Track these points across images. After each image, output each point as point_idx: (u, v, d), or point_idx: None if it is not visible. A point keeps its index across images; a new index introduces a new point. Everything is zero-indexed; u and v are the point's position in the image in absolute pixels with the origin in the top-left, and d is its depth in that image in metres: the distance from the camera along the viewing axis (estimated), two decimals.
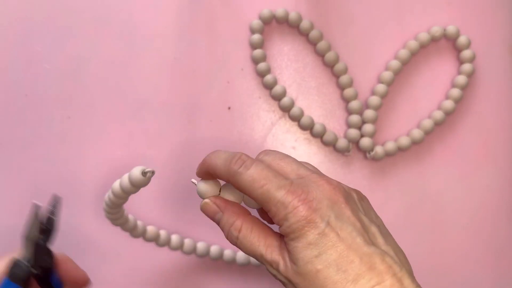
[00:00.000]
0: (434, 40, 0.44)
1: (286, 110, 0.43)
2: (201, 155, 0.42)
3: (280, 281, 0.24)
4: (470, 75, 0.43)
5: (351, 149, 0.43)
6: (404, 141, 0.43)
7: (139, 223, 0.38)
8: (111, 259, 0.41)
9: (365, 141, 0.42)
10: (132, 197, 0.31)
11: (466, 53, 0.43)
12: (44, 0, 0.43)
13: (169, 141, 0.42)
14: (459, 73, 0.44)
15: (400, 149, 0.43)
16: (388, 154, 0.43)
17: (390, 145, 0.43)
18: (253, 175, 0.24)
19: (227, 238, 0.26)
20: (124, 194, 0.29)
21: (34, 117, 0.42)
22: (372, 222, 0.25)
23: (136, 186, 0.27)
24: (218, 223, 0.26)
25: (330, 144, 0.43)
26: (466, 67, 0.43)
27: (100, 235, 0.41)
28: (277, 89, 0.42)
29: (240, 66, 0.43)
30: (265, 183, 0.23)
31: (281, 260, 0.23)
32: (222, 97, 0.43)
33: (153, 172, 0.26)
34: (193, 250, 0.40)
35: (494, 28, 0.45)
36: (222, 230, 0.26)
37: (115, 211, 0.32)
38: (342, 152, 0.43)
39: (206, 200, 0.27)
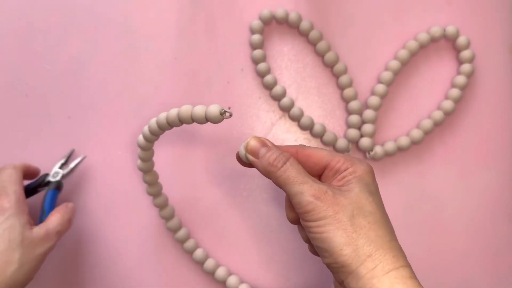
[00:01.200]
0: (433, 40, 0.44)
1: (286, 110, 0.43)
2: (201, 155, 0.42)
3: (315, 210, 0.25)
4: (470, 75, 0.43)
5: (350, 149, 0.43)
6: (404, 141, 0.43)
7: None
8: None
9: (365, 141, 0.42)
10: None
11: (466, 53, 0.43)
12: (44, 0, 0.43)
13: (169, 141, 0.42)
14: (459, 73, 0.44)
15: (400, 149, 0.43)
16: (387, 154, 0.43)
17: (390, 145, 0.43)
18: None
19: (271, 163, 0.27)
20: (176, 124, 0.30)
21: (34, 117, 0.42)
22: None
23: (210, 120, 0.27)
24: (262, 155, 0.27)
25: (330, 144, 0.43)
26: (466, 67, 0.43)
27: (103, 233, 0.41)
28: (277, 89, 0.42)
29: (240, 66, 0.43)
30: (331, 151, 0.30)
31: (330, 189, 0.26)
32: (222, 97, 0.43)
33: (231, 114, 0.27)
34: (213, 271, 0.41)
35: (494, 28, 0.45)
36: (267, 158, 0.27)
37: (150, 145, 0.34)
38: (341, 152, 0.43)
39: (253, 137, 0.29)
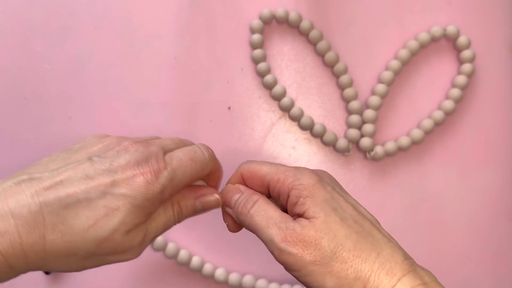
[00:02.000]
0: (434, 40, 0.44)
1: (286, 110, 0.43)
2: None
3: (290, 261, 0.23)
4: (470, 75, 0.43)
5: (351, 149, 0.43)
6: (404, 141, 0.43)
7: None
8: None
9: (365, 141, 0.42)
10: None
11: (466, 53, 0.43)
12: (44, 0, 0.43)
13: None
14: (459, 73, 0.44)
15: (400, 149, 0.43)
16: (388, 154, 0.43)
17: (390, 145, 0.43)
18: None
19: (240, 212, 0.26)
20: None
21: (34, 117, 0.42)
22: None
23: None
24: (234, 203, 0.26)
25: (330, 144, 0.43)
26: (466, 67, 0.43)
27: None
28: (277, 89, 0.42)
29: (240, 66, 0.43)
30: (275, 164, 0.27)
31: (297, 224, 0.23)
32: (222, 97, 0.43)
33: None
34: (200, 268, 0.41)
35: (494, 28, 0.45)
36: (237, 205, 0.26)
37: None
38: (342, 152, 0.43)
39: (228, 185, 0.28)
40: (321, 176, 0.26)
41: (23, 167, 0.41)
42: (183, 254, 0.41)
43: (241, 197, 0.26)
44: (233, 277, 0.40)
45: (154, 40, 0.43)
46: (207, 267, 0.41)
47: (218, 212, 0.28)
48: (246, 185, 0.27)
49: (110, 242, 0.22)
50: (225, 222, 0.28)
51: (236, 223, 0.27)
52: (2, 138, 0.42)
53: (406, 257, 0.23)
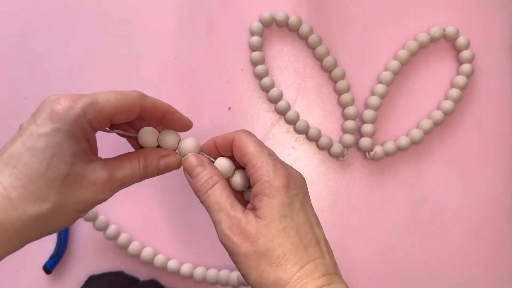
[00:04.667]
0: (433, 40, 0.44)
1: (282, 113, 0.43)
2: None
3: (229, 246, 0.26)
4: (469, 75, 0.43)
5: (345, 155, 0.43)
6: (404, 141, 0.43)
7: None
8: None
9: (365, 141, 0.42)
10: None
11: (465, 54, 0.43)
12: (45, 1, 0.43)
13: None
14: (458, 73, 0.44)
15: (400, 149, 0.43)
16: (387, 154, 0.43)
17: (390, 145, 0.43)
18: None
19: (198, 188, 0.28)
20: None
21: None
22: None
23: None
24: (195, 176, 0.28)
25: (325, 148, 0.43)
26: (465, 67, 0.43)
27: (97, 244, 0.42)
28: (274, 92, 0.42)
29: (240, 66, 0.43)
30: (264, 149, 0.28)
31: (244, 218, 0.26)
32: (222, 97, 0.43)
33: None
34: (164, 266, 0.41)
35: (493, 28, 0.45)
36: (197, 181, 0.28)
37: None
38: (336, 157, 0.43)
39: (192, 153, 0.29)
40: (291, 180, 0.27)
41: None
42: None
43: (203, 172, 0.28)
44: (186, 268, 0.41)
45: (154, 40, 0.43)
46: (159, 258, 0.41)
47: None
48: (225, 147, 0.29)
49: (73, 176, 0.23)
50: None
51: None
52: (3, 138, 0.42)
53: (328, 272, 0.25)
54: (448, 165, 0.44)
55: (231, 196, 0.27)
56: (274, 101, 0.42)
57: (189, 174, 0.28)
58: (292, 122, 0.42)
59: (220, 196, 0.27)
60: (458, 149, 0.44)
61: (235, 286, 0.40)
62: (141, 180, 0.28)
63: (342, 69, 0.43)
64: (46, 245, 0.41)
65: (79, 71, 0.42)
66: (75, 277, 0.42)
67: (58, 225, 0.24)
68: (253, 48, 0.43)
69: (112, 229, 0.40)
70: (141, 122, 0.29)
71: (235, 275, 0.40)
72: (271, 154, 0.28)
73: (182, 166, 0.29)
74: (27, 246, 0.41)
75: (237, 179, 0.29)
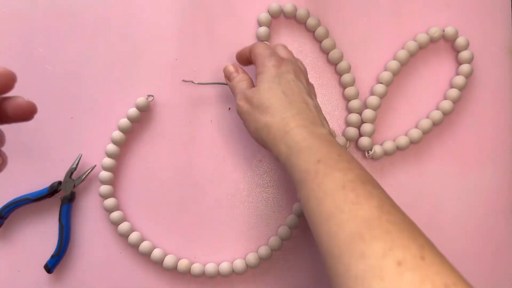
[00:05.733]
0: (432, 41, 0.44)
1: None
2: (201, 155, 0.42)
3: (238, 110, 0.36)
4: (468, 75, 0.44)
5: (348, 148, 0.43)
6: (403, 140, 0.43)
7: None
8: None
9: (364, 141, 0.43)
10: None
11: (465, 54, 0.44)
12: (46, 2, 0.43)
13: (170, 141, 0.42)
14: (457, 73, 0.44)
15: (399, 149, 0.43)
16: (386, 154, 0.43)
17: (389, 145, 0.43)
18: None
19: (233, 85, 0.38)
20: None
21: (36, 118, 0.42)
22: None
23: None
24: (232, 78, 0.39)
25: None
26: (464, 67, 0.44)
27: (100, 239, 0.42)
28: None
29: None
30: (267, 49, 0.37)
31: (249, 91, 0.36)
32: (223, 98, 0.43)
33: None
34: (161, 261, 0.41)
35: (493, 29, 0.45)
36: (232, 80, 0.39)
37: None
38: None
39: (230, 63, 0.40)
40: (283, 64, 0.36)
41: (24, 167, 0.41)
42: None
43: (236, 76, 0.39)
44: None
45: (155, 41, 0.43)
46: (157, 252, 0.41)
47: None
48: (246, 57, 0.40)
49: None
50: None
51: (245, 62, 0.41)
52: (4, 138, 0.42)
53: (311, 121, 0.33)
54: (447, 165, 0.44)
55: (251, 86, 0.37)
56: None
57: (227, 77, 0.39)
58: None
59: (244, 85, 0.37)
60: (457, 149, 0.44)
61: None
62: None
63: (348, 62, 0.43)
64: (47, 244, 0.41)
65: (80, 71, 0.42)
66: (76, 277, 0.42)
67: None
68: (260, 39, 0.43)
69: (125, 226, 0.41)
70: None
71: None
72: (272, 53, 0.37)
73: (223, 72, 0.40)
74: (28, 245, 0.42)
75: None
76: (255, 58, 0.37)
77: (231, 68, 0.39)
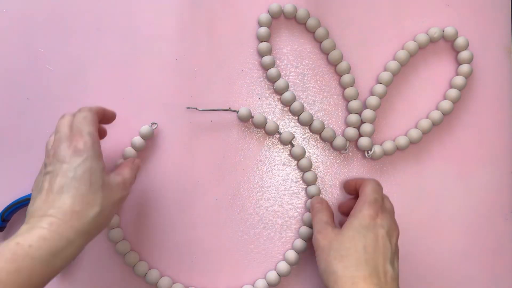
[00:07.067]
0: (432, 41, 0.44)
1: (287, 104, 0.43)
2: (201, 155, 0.43)
3: (315, 243, 0.37)
4: (468, 75, 0.44)
5: (348, 148, 0.43)
6: (402, 140, 0.43)
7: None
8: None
9: (364, 141, 0.43)
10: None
11: (464, 54, 0.44)
12: (47, 2, 0.43)
13: (170, 141, 0.42)
14: (457, 73, 0.44)
15: (398, 149, 0.43)
16: (386, 154, 0.43)
17: (388, 145, 0.43)
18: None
19: (315, 214, 0.39)
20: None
21: (36, 118, 0.42)
22: None
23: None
24: (316, 211, 0.39)
25: (327, 141, 0.43)
26: (464, 67, 0.44)
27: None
28: (280, 82, 0.42)
29: (241, 67, 0.43)
30: (374, 194, 0.37)
31: (331, 228, 0.36)
32: (223, 98, 0.43)
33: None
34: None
35: (492, 29, 0.45)
36: (315, 214, 0.39)
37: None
38: (339, 150, 0.43)
39: (317, 197, 0.42)
40: (381, 217, 0.35)
41: (25, 167, 0.42)
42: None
43: (317, 204, 0.40)
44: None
45: (155, 41, 0.43)
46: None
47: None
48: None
49: (106, 185, 0.32)
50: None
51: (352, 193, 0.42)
52: (5, 139, 0.42)
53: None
54: (446, 165, 0.44)
55: (330, 221, 0.38)
56: (280, 91, 0.43)
57: (312, 207, 0.40)
58: (297, 113, 0.43)
59: (324, 218, 0.38)
60: (457, 149, 0.45)
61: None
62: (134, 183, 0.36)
63: (347, 62, 0.43)
64: None
65: (81, 71, 0.42)
66: (77, 277, 0.42)
67: (105, 222, 0.32)
68: (260, 39, 0.43)
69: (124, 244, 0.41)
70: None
71: None
72: (377, 200, 0.36)
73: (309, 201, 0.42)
74: None
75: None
76: (360, 195, 0.37)
77: (317, 199, 0.41)
